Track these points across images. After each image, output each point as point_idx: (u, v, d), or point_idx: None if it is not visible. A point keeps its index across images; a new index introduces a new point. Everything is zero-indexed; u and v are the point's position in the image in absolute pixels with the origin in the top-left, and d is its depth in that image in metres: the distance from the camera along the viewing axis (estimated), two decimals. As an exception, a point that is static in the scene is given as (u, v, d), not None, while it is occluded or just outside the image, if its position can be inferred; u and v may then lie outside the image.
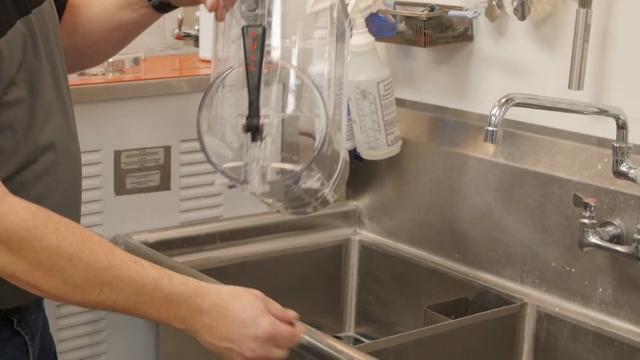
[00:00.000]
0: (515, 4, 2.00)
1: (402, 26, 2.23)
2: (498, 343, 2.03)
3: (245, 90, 1.52)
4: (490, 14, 2.10)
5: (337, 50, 1.63)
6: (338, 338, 2.28)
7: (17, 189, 1.42)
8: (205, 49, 2.49)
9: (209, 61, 2.45)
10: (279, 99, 1.58)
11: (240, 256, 2.27)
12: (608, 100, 1.93)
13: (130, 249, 2.10)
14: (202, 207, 2.33)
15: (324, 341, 1.69)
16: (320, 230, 2.41)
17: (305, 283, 2.36)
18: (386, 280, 2.33)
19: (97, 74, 2.21)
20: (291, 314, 1.54)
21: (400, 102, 2.28)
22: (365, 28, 2.16)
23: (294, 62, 1.58)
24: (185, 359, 2.16)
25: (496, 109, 1.68)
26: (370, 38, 2.16)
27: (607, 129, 1.89)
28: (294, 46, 1.59)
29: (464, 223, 2.18)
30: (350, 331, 2.43)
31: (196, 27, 2.68)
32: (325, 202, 1.70)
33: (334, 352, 1.67)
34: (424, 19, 2.15)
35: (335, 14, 1.61)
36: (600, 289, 1.94)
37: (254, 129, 1.51)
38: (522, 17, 2.01)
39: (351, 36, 1.86)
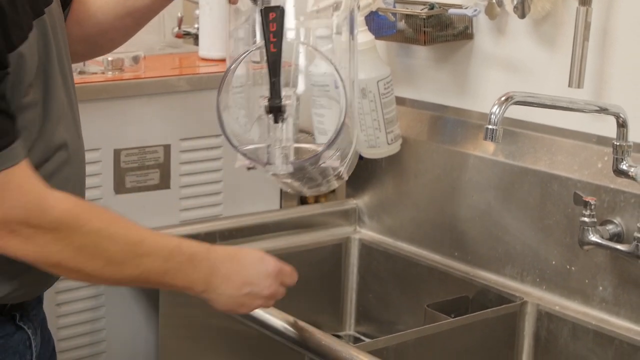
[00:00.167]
0: (515, 2, 2.00)
1: (402, 24, 2.23)
2: (498, 342, 2.03)
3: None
4: (490, 12, 2.09)
5: (348, 31, 1.66)
6: (338, 337, 2.28)
7: None
8: (205, 48, 2.49)
9: (208, 59, 2.47)
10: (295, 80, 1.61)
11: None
12: (608, 98, 1.93)
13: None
14: (202, 206, 2.33)
15: (324, 340, 1.69)
16: (320, 229, 2.41)
17: (305, 282, 2.33)
18: (386, 279, 2.33)
19: (97, 73, 2.21)
20: None
21: (400, 101, 2.28)
22: (365, 26, 2.15)
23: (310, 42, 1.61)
24: (185, 356, 2.16)
25: (496, 107, 1.67)
26: (370, 36, 2.16)
27: (607, 127, 1.89)
28: (307, 26, 1.61)
29: (464, 221, 2.18)
30: (350, 330, 2.43)
31: (196, 26, 2.68)
32: (340, 179, 1.73)
33: (334, 351, 1.67)
34: (424, 17, 2.15)
35: None
36: (601, 288, 1.94)
37: (276, 110, 1.52)
38: (522, 15, 2.00)
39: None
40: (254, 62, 1.60)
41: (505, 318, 2.02)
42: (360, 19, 2.15)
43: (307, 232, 2.38)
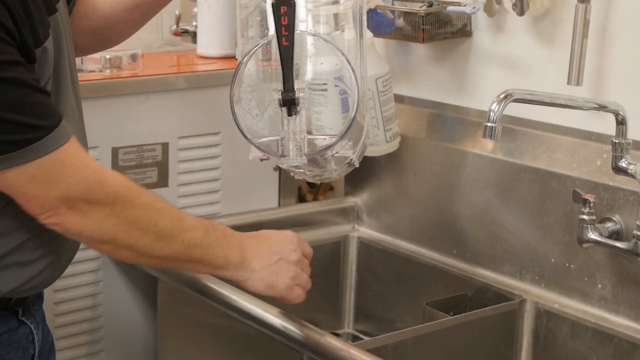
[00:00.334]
0: (514, -1, 2.00)
1: (400, 22, 2.23)
2: (497, 340, 2.03)
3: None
4: (488, 9, 2.09)
5: (357, 25, 1.67)
6: (336, 335, 2.28)
7: None
8: (203, 45, 2.49)
9: (207, 57, 2.47)
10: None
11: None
12: (607, 95, 1.93)
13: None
14: (200, 204, 2.32)
15: (323, 338, 1.69)
16: (318, 227, 2.41)
17: (303, 280, 2.35)
18: (385, 277, 2.33)
19: (95, 71, 2.20)
20: None
21: (398, 98, 2.27)
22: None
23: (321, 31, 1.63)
24: (183, 354, 2.15)
25: (495, 104, 1.67)
26: (368, 34, 2.15)
27: (606, 125, 1.89)
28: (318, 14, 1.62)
29: (463, 219, 2.18)
30: (349, 328, 2.42)
31: (194, 24, 2.67)
32: (351, 166, 1.75)
33: (333, 350, 1.67)
34: (423, 14, 2.15)
35: None
36: (600, 286, 1.94)
37: (289, 103, 1.53)
38: (521, 13, 2.00)
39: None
40: (262, 60, 1.61)
41: (504, 316, 2.02)
42: (351, 15, 2.14)
43: (306, 230, 2.38)
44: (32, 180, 1.43)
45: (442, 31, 2.17)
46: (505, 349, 2.04)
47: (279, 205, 2.44)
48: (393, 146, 2.25)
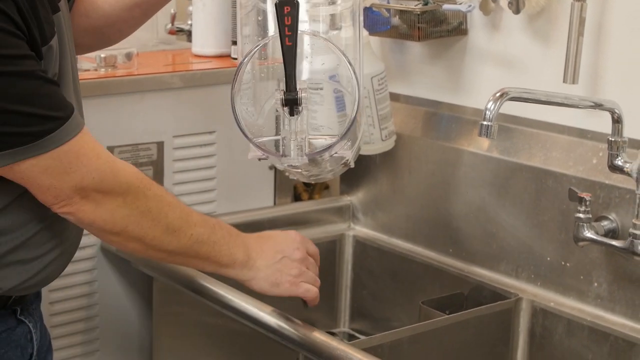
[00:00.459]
0: (509, -3, 2.00)
1: (396, 20, 2.22)
2: (493, 338, 2.03)
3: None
4: (484, 7, 2.09)
5: (355, 23, 1.68)
6: (332, 334, 2.27)
7: None
8: (198, 44, 2.48)
9: (202, 56, 2.46)
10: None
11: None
12: (603, 94, 1.92)
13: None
14: (195, 203, 2.32)
15: (319, 338, 1.68)
16: (314, 226, 2.40)
17: (299, 279, 2.35)
18: (380, 276, 2.33)
19: (90, 70, 2.20)
20: None
21: (394, 97, 2.27)
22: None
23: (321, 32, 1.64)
24: (179, 354, 2.15)
25: (491, 103, 1.67)
26: (364, 32, 2.15)
27: (602, 123, 1.88)
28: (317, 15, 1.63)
29: (459, 218, 2.17)
30: (345, 327, 2.42)
31: (189, 22, 2.67)
32: (346, 167, 1.76)
33: (328, 349, 1.66)
34: (418, 13, 2.14)
35: None
36: (596, 284, 1.93)
37: (291, 103, 1.53)
38: (517, 11, 2.00)
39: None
40: (259, 59, 1.61)
41: (500, 314, 2.02)
42: (347, 14, 2.14)
43: (301, 228, 2.37)
44: (46, 171, 1.44)
45: (438, 29, 2.17)
46: (501, 347, 2.04)
47: (275, 204, 2.44)
48: (389, 145, 2.25)
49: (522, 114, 2.07)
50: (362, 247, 2.37)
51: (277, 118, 1.61)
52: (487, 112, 1.66)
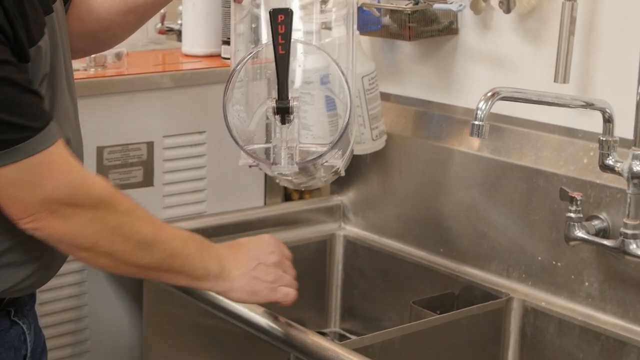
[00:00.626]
0: (500, -4, 1.99)
1: (386, 20, 2.22)
2: (484, 338, 2.03)
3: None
4: (475, 7, 2.08)
5: (349, 27, 1.69)
6: (323, 334, 2.27)
7: None
8: (188, 44, 2.48)
9: (192, 56, 2.45)
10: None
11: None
12: (594, 93, 1.92)
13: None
14: (186, 203, 2.31)
15: (310, 338, 1.68)
16: (304, 226, 2.40)
17: (290, 279, 2.34)
18: (371, 276, 2.32)
19: (79, 69, 2.19)
20: None
21: (384, 96, 2.27)
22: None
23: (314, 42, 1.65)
24: (169, 354, 2.15)
25: (482, 102, 1.67)
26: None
27: (593, 123, 1.88)
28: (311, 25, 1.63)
29: (450, 217, 2.17)
30: (335, 327, 2.42)
31: (179, 22, 2.66)
32: (337, 175, 1.75)
33: (320, 349, 1.66)
34: (409, 12, 2.14)
35: None
36: (587, 283, 1.93)
37: (283, 111, 1.53)
38: (508, 10, 1.99)
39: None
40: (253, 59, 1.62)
41: (491, 314, 2.02)
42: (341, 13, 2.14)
43: (292, 228, 2.37)
44: (15, 183, 1.41)
45: (429, 29, 2.17)
46: (493, 347, 2.04)
47: (265, 204, 2.43)
48: (379, 144, 2.25)
49: (512, 114, 2.06)
50: (353, 246, 2.37)
51: (267, 125, 1.61)
52: (479, 111, 1.66)
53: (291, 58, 1.52)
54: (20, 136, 1.39)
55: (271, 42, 1.51)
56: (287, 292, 1.69)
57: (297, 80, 1.64)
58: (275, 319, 1.77)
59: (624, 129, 1.81)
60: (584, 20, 1.92)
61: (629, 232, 1.79)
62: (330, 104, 1.95)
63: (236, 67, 1.59)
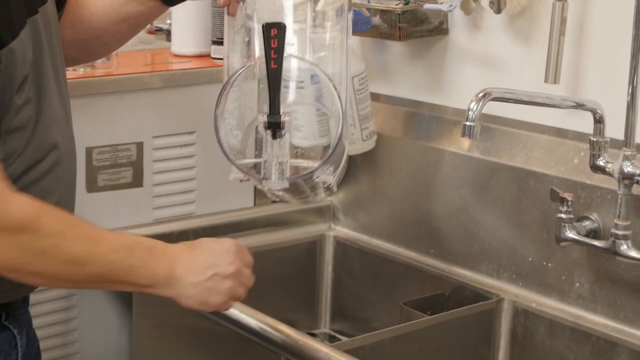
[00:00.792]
0: (490, -3, 1.99)
1: (376, 20, 2.22)
2: (475, 339, 2.03)
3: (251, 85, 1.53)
4: (465, 7, 2.08)
5: (345, 43, 1.68)
6: (313, 335, 2.27)
7: (25, 187, 1.47)
8: (178, 44, 2.47)
9: (181, 56, 2.45)
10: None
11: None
12: (584, 94, 1.92)
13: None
14: (175, 204, 2.31)
15: (301, 340, 1.68)
16: (294, 226, 2.39)
17: (279, 279, 2.34)
18: (361, 276, 2.32)
19: (68, 69, 2.17)
20: None
21: (374, 97, 2.26)
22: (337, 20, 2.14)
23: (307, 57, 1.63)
24: (159, 357, 2.14)
25: (474, 103, 1.66)
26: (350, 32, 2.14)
27: (583, 123, 1.88)
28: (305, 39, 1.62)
29: (440, 218, 2.17)
30: (325, 328, 2.41)
31: (168, 22, 2.65)
32: (329, 190, 1.74)
33: (310, 351, 1.66)
34: (399, 12, 2.14)
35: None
36: (577, 284, 1.93)
37: (274, 126, 1.52)
38: (498, 11, 1.99)
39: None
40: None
41: (482, 315, 2.02)
42: (331, 13, 2.13)
43: (281, 229, 2.37)
44: None
45: (419, 29, 2.17)
46: (483, 348, 2.04)
47: (255, 204, 2.42)
48: (369, 145, 2.24)
49: (503, 114, 2.06)
50: (343, 247, 2.37)
51: (258, 140, 1.61)
52: (470, 112, 1.66)
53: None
54: None
55: (263, 55, 1.50)
56: (233, 305, 1.63)
57: (290, 94, 1.63)
58: (266, 320, 1.76)
59: (614, 130, 1.81)
60: (575, 21, 1.92)
61: (620, 232, 1.79)
62: (321, 104, 1.95)
63: (228, 80, 1.59)
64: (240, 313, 1.79)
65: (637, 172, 1.76)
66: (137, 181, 2.24)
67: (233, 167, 1.60)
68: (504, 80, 2.04)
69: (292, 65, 1.62)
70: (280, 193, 1.72)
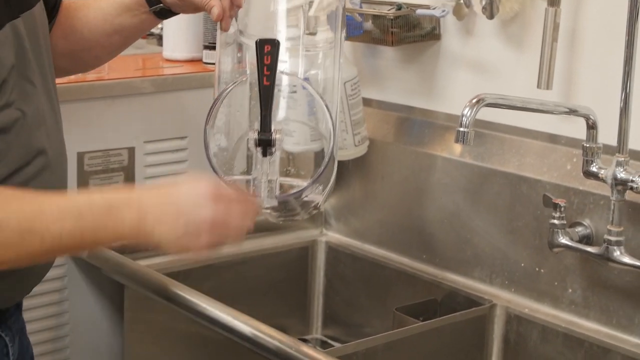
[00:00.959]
0: (483, 2, 1.99)
1: (369, 25, 2.22)
2: (467, 345, 2.02)
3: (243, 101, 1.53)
4: (458, 12, 2.08)
5: (339, 54, 1.68)
6: (305, 340, 2.27)
7: None
8: (169, 48, 2.46)
9: (172, 60, 2.44)
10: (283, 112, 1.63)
11: (205, 259, 2.24)
12: (577, 99, 1.92)
13: (94, 252, 2.07)
14: (167, 209, 2.30)
15: (293, 346, 1.67)
16: (286, 232, 2.39)
17: (271, 285, 2.34)
18: (353, 282, 2.32)
19: (59, 74, 2.18)
20: None
21: (366, 102, 2.26)
22: (328, 25, 2.13)
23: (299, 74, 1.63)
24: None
25: (467, 109, 1.66)
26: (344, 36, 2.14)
27: (576, 129, 1.88)
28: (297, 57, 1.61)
29: (432, 224, 2.17)
30: (317, 333, 2.41)
31: (159, 26, 2.65)
32: (316, 209, 1.72)
33: (302, 357, 1.65)
34: (392, 17, 2.14)
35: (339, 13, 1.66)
36: (570, 290, 1.93)
37: (265, 144, 1.50)
38: (491, 16, 1.99)
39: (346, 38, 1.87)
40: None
41: (474, 321, 2.01)
42: (322, 18, 2.13)
43: (273, 235, 2.36)
44: None
45: (411, 34, 2.17)
46: (476, 354, 2.03)
47: (247, 209, 2.41)
48: (361, 150, 2.24)
49: (495, 120, 2.06)
50: (335, 253, 2.36)
51: (249, 157, 1.60)
52: (464, 118, 1.66)
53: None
54: None
55: (256, 72, 1.50)
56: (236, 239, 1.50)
57: (281, 111, 1.63)
58: (258, 326, 1.75)
59: (607, 136, 1.81)
60: (567, 27, 1.92)
61: (613, 238, 1.79)
62: (311, 108, 1.94)
63: (219, 96, 1.58)
64: (233, 319, 1.78)
65: (630, 178, 1.76)
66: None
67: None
68: (496, 86, 2.04)
69: (283, 82, 1.62)
70: (268, 211, 1.68)
